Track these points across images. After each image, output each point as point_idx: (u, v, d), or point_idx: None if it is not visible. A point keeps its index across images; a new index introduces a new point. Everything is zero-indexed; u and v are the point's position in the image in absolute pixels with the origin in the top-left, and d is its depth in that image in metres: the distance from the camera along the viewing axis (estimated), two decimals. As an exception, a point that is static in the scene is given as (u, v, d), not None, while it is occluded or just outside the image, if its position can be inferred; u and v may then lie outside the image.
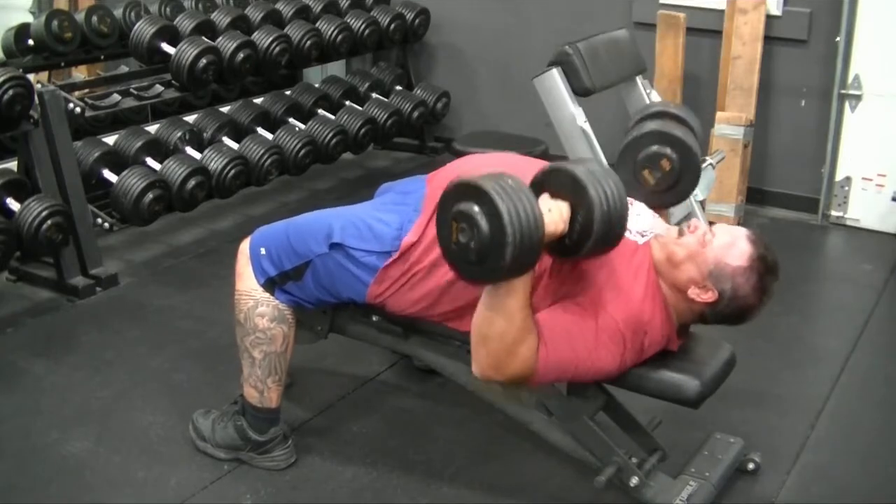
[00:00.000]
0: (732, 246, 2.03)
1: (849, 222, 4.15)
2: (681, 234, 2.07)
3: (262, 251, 2.28)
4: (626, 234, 2.08)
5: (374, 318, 2.37)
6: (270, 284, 2.28)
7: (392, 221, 2.20)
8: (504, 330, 1.91)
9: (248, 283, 2.30)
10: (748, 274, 2.01)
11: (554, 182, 1.89)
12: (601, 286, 1.99)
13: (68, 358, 2.99)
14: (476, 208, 1.77)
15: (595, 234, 1.84)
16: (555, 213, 1.85)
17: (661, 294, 2.05)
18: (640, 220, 2.16)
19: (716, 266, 2.01)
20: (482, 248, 1.78)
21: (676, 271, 2.04)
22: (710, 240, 2.04)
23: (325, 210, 2.33)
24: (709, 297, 2.02)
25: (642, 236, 2.11)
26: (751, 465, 2.41)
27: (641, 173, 2.32)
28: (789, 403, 2.79)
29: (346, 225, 2.21)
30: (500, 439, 2.53)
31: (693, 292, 2.03)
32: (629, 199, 2.19)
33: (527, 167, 2.23)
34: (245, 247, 2.34)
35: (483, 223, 1.77)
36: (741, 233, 2.07)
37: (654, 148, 2.31)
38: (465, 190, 1.81)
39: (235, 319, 2.34)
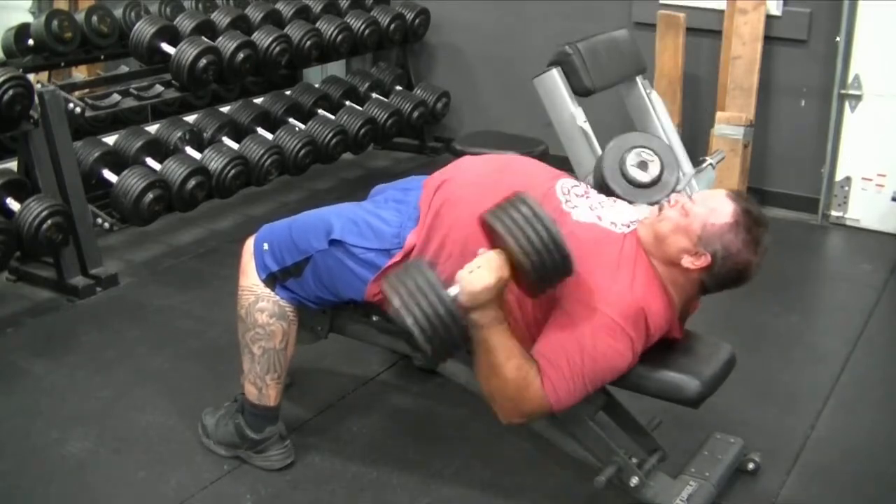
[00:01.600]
0: (715, 207, 2.04)
1: (849, 222, 4.15)
2: (661, 210, 2.09)
3: (266, 246, 2.30)
4: (612, 228, 2.10)
5: (374, 318, 2.37)
6: (272, 280, 2.29)
7: (392, 220, 2.21)
8: (500, 384, 1.97)
9: (250, 278, 2.31)
10: (736, 229, 2.02)
11: (488, 231, 1.93)
12: (591, 288, 1.99)
13: (68, 358, 2.99)
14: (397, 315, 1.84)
15: (533, 278, 1.87)
16: (482, 270, 1.87)
17: (657, 277, 2.05)
18: (622, 213, 2.17)
19: (702, 229, 2.02)
20: (416, 345, 1.85)
21: (666, 246, 2.04)
22: (692, 207, 2.05)
23: (328, 207, 2.34)
24: (703, 262, 2.02)
25: (627, 227, 2.12)
26: (751, 465, 2.41)
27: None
28: (789, 403, 2.79)
29: (346, 222, 2.22)
30: (500, 439, 2.53)
31: (687, 261, 2.03)
32: (609, 198, 2.23)
33: (520, 168, 2.24)
34: (249, 243, 2.35)
35: (405, 324, 1.83)
36: (720, 193, 2.09)
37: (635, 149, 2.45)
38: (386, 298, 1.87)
39: (237, 315, 2.34)
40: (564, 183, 2.19)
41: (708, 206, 2.04)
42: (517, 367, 1.95)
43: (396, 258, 2.16)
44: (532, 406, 1.98)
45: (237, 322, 2.35)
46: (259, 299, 2.29)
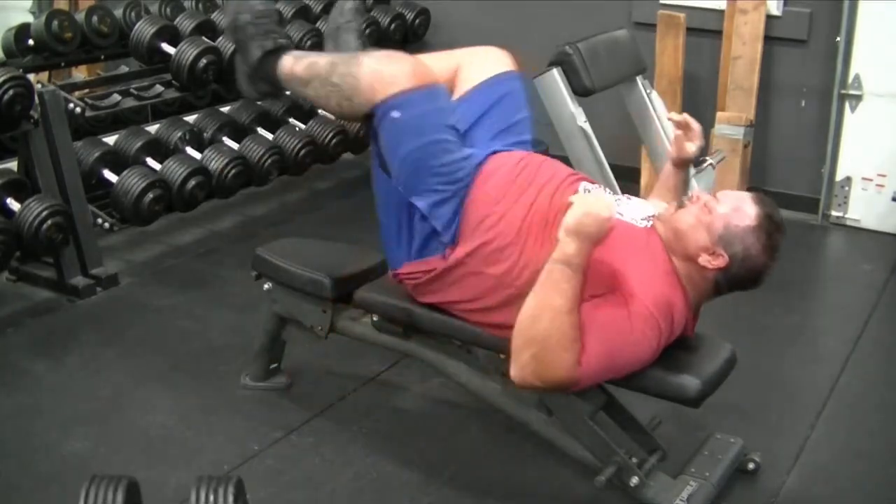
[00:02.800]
0: (739, 208, 2.03)
1: (849, 222, 4.15)
2: (681, 207, 2.08)
3: (396, 115, 2.10)
4: (633, 222, 2.10)
5: (374, 319, 2.37)
6: (368, 120, 2.16)
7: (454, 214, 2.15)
8: (548, 332, 1.88)
9: (367, 94, 2.12)
10: (758, 233, 2.01)
11: None
12: (626, 275, 1.98)
13: (68, 358, 2.99)
14: None
15: None
16: (599, 203, 1.92)
17: (677, 273, 2.04)
18: (638, 209, 2.16)
19: (725, 229, 2.01)
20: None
21: (685, 241, 2.03)
22: (715, 205, 2.04)
23: (455, 155, 2.14)
24: (720, 262, 2.01)
25: (647, 222, 2.11)
26: (751, 465, 2.41)
27: None
28: (789, 403, 2.79)
29: (432, 205, 2.12)
30: (500, 439, 2.53)
31: (704, 259, 2.02)
32: (624, 195, 2.23)
33: (546, 171, 2.20)
34: (392, 75, 2.11)
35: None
36: (746, 195, 2.08)
37: None
38: None
39: (348, 71, 2.17)
40: (585, 185, 2.18)
41: (732, 206, 2.03)
42: (573, 326, 1.89)
43: (434, 265, 2.14)
44: (560, 374, 1.90)
45: (330, 65, 2.20)
46: (352, 101, 2.15)
